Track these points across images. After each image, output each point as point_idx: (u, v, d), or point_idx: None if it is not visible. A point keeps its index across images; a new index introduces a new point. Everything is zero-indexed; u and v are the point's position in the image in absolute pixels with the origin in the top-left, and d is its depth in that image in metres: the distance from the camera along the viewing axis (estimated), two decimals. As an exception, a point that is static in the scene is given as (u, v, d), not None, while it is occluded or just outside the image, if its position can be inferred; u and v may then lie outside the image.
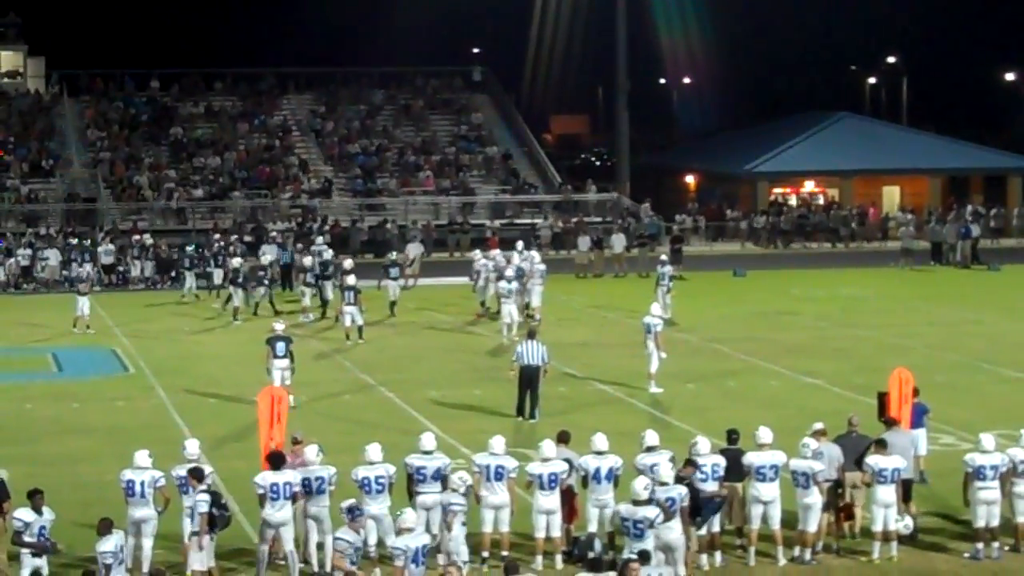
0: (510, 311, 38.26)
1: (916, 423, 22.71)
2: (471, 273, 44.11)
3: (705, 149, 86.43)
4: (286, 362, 29.73)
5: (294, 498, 19.23)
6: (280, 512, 19.06)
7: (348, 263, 41.10)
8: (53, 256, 52.49)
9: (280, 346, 29.80)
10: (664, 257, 44.03)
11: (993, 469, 19.94)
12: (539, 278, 41.51)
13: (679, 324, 40.22)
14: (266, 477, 19.21)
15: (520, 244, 45.31)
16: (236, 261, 44.28)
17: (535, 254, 44.02)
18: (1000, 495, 20.02)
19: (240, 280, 42.94)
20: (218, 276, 47.79)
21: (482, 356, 36.25)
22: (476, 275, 43.24)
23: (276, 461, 19.43)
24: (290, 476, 19.19)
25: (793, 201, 72.37)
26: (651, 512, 18.13)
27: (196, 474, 19.03)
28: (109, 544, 17.37)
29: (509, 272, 39.61)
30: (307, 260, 43.83)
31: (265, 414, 20.96)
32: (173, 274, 51.66)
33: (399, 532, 17.33)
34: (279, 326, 30.85)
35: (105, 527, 17.56)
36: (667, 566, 18.02)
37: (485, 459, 19.94)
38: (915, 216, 63.03)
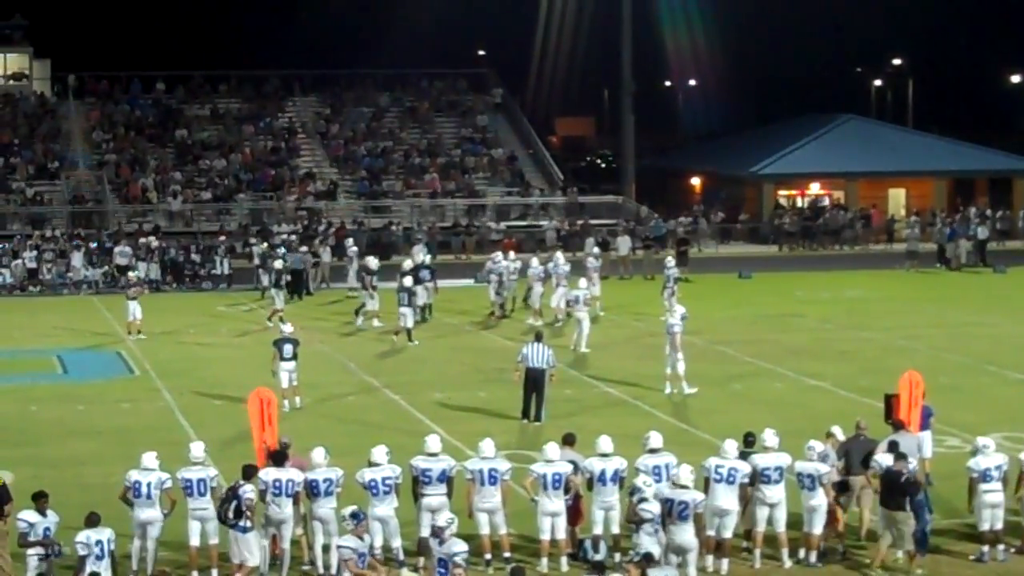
0: (582, 319, 37.53)
1: (921, 426, 22.71)
2: (487, 275, 43.93)
3: (710, 151, 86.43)
4: (292, 364, 29.76)
5: (295, 497, 19.27)
6: (282, 510, 19.17)
7: (407, 264, 41.26)
8: (77, 258, 52.47)
9: (287, 348, 29.83)
10: (670, 259, 43.85)
11: (998, 470, 19.98)
12: (565, 279, 41.49)
13: (691, 326, 40.28)
14: (269, 473, 19.32)
15: (596, 248, 46.44)
16: (279, 263, 44.20)
17: (560, 256, 44.05)
18: (1003, 497, 20.01)
19: (282, 282, 42.99)
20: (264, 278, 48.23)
21: (487, 358, 36.24)
22: (499, 277, 43.09)
23: (279, 458, 19.57)
24: (293, 474, 19.28)
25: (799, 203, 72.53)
26: (656, 508, 18.21)
27: (246, 472, 19.17)
28: (82, 536, 17.52)
29: (583, 283, 38.80)
30: (371, 262, 42.72)
31: (256, 418, 20.99)
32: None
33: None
34: (287, 328, 30.86)
35: (90, 520, 17.70)
36: (678, 568, 18.04)
37: (477, 464, 19.94)
38: (920, 218, 63.02)
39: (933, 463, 23.25)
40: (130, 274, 43.41)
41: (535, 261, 43.33)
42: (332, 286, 50.14)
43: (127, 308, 40.01)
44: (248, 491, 18.76)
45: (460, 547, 17.32)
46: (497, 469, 19.82)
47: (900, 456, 19.65)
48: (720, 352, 37.12)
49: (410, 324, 38.32)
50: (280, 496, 19.19)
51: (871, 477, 20.24)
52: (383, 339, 39.29)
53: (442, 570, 17.13)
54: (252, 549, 18.72)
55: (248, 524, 18.66)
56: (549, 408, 28.69)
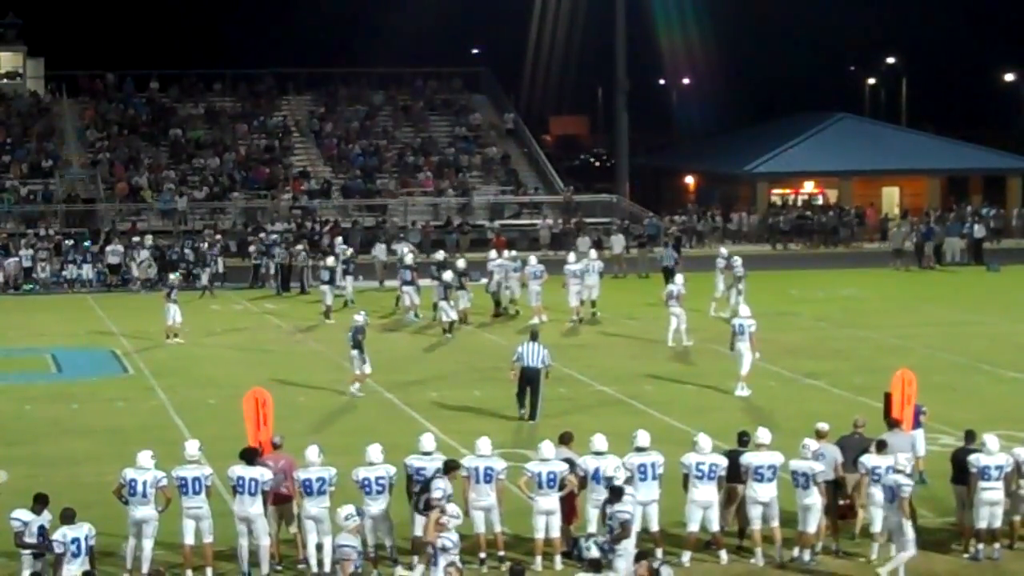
0: (677, 314, 37.57)
1: (914, 424, 22.82)
2: (485, 274, 43.99)
3: (704, 150, 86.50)
4: (354, 352, 30.78)
5: (266, 496, 19.28)
6: (247, 507, 19.22)
7: (461, 262, 41.98)
8: (145, 256, 52.34)
9: (347, 336, 31.03)
10: (737, 258, 42.87)
11: (998, 469, 19.98)
12: (595, 274, 42.66)
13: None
14: (235, 471, 19.39)
15: (723, 249, 46.23)
16: (330, 260, 44.55)
17: (593, 253, 44.96)
18: (1004, 496, 20.04)
19: (328, 279, 43.27)
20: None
21: (482, 356, 36.24)
22: (490, 275, 43.21)
23: (248, 457, 19.63)
24: (258, 472, 19.32)
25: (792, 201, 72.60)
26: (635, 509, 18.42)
27: (450, 465, 19.33)
28: (58, 533, 17.54)
29: (679, 278, 38.64)
30: (409, 258, 43.45)
31: (251, 417, 20.98)
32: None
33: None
34: (359, 318, 31.52)
35: (65, 516, 17.71)
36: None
37: (473, 461, 19.94)
38: (912, 218, 63.09)
39: (927, 461, 23.33)
40: (171, 276, 42.27)
41: (532, 259, 43.36)
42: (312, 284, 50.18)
43: (167, 311, 38.81)
44: (439, 486, 18.78)
45: (452, 537, 17.44)
46: (493, 467, 19.83)
47: (971, 435, 20.76)
48: (714, 351, 37.05)
49: (454, 316, 39.16)
50: (244, 494, 19.23)
51: (861, 477, 20.30)
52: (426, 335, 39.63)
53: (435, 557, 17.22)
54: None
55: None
56: (544, 407, 28.64)
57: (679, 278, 38.56)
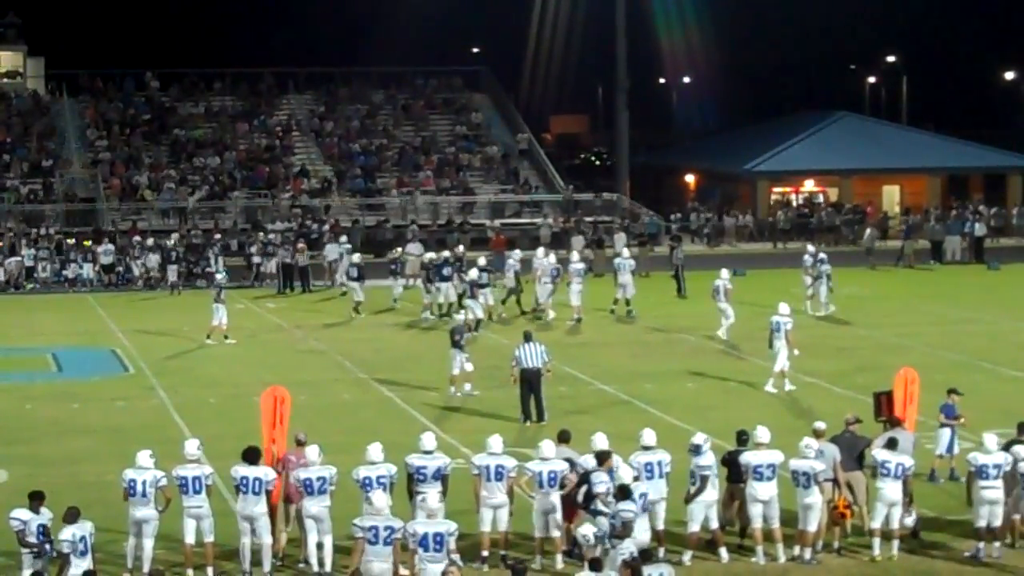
0: (723, 310, 38.09)
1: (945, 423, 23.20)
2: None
3: (705, 148, 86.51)
4: (453, 351, 30.89)
5: (269, 495, 19.28)
6: (250, 506, 19.20)
7: (481, 260, 42.27)
8: (153, 258, 52.23)
9: (454, 336, 31.19)
10: (812, 248, 44.39)
11: (996, 468, 19.93)
12: (627, 272, 43.55)
13: (685, 323, 40.36)
14: (238, 470, 19.39)
15: (811, 246, 46.55)
16: (356, 256, 44.95)
17: (625, 251, 45.93)
18: (1004, 495, 20.01)
19: (358, 275, 43.48)
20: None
21: (483, 356, 36.16)
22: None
23: (250, 456, 19.60)
24: (261, 472, 19.32)
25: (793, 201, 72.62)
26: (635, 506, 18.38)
27: (601, 456, 19.44)
28: (67, 533, 17.56)
29: (724, 273, 38.72)
30: (428, 256, 44.26)
31: (268, 415, 20.95)
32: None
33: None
34: (460, 317, 31.58)
35: (70, 516, 17.75)
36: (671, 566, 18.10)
37: (484, 459, 19.93)
38: (911, 216, 63.10)
39: (931, 459, 23.40)
40: (217, 276, 41.78)
41: (553, 258, 43.57)
42: (315, 284, 50.25)
43: (215, 311, 38.45)
44: (600, 480, 18.87)
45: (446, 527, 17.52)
46: (504, 466, 19.83)
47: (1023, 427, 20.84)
48: (715, 348, 37.14)
49: (480, 315, 39.34)
50: (248, 493, 19.22)
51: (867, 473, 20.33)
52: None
53: (423, 547, 17.23)
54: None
55: (599, 508, 18.67)
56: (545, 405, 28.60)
57: (725, 272, 38.58)
